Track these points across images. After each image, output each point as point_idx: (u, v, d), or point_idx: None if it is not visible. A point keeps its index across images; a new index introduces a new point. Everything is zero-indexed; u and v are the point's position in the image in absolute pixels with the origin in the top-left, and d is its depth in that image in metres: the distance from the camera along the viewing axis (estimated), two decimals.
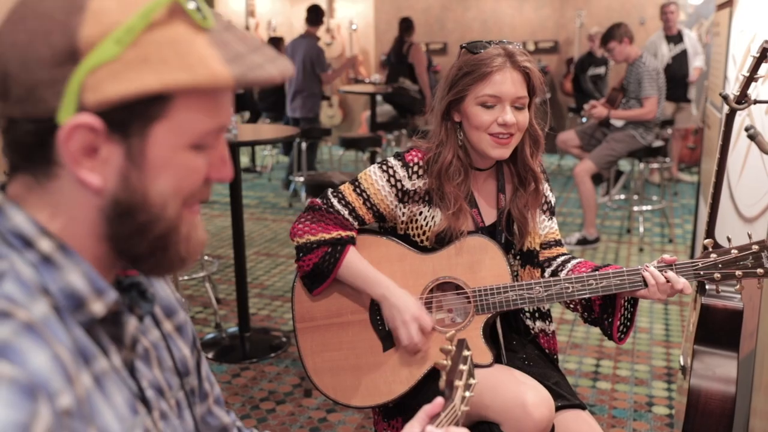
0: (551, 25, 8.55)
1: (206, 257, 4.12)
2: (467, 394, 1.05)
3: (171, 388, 0.80)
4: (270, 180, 7.19)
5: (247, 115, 7.72)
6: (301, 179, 5.86)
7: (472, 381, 1.08)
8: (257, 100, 7.71)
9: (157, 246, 0.70)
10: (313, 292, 1.63)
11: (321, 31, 9.27)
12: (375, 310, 1.63)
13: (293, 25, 9.48)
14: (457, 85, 1.58)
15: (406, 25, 6.83)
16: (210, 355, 3.18)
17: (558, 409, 1.55)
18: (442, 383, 1.01)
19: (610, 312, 1.60)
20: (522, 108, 1.56)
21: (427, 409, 0.97)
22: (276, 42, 7.72)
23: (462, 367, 1.05)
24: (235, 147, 3.25)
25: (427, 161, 1.62)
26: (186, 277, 3.96)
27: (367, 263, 1.60)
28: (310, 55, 6.18)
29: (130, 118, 0.64)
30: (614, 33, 4.67)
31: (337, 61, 9.34)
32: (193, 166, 0.69)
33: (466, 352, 1.08)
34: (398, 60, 6.85)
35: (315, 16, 6.23)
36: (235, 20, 9.53)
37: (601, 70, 7.21)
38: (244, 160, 7.85)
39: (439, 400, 0.98)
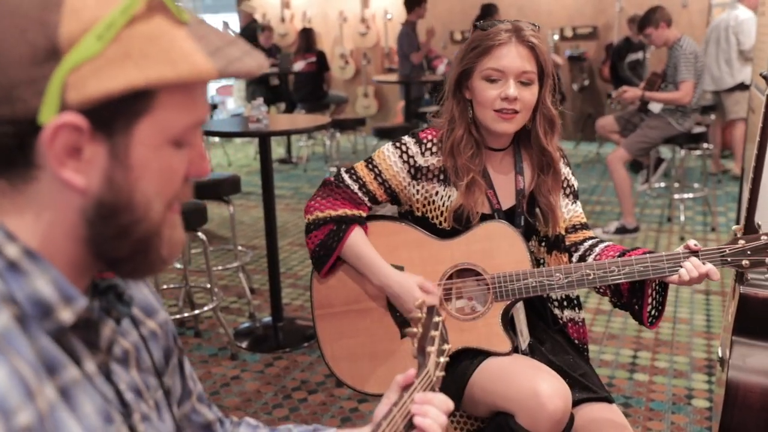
0: (590, 10, 8.37)
1: (240, 248, 4.15)
2: (441, 359, 1.06)
3: (149, 388, 0.78)
4: (305, 171, 7.22)
5: (282, 106, 7.75)
6: (334, 169, 5.87)
7: (445, 347, 1.09)
8: (293, 91, 7.75)
9: (139, 249, 0.68)
10: (320, 272, 1.62)
11: (356, 21, 9.27)
12: None
13: (328, 16, 9.48)
14: (464, 60, 1.58)
15: (485, 11, 6.43)
16: (244, 345, 3.21)
17: (583, 401, 1.51)
18: (413, 351, 1.02)
19: (639, 296, 1.56)
20: (528, 84, 1.54)
21: (398, 380, 0.98)
22: (308, 33, 7.73)
23: (433, 332, 1.06)
24: (266, 137, 3.26)
25: (440, 138, 1.62)
26: (220, 268, 4.00)
27: (369, 246, 1.59)
28: (401, 41, 6.72)
29: (114, 115, 0.62)
30: (650, 18, 4.54)
31: (371, 51, 9.33)
32: (175, 165, 0.68)
33: (436, 318, 1.09)
34: None
35: (408, 3, 6.67)
36: (270, 12, 9.57)
37: (639, 55, 7.02)
38: (280, 150, 7.89)
39: (411, 372, 0.99)
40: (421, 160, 1.61)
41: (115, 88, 0.60)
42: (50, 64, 0.59)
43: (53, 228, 0.65)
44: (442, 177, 1.61)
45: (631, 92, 4.72)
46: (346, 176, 1.64)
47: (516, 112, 1.54)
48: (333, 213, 1.60)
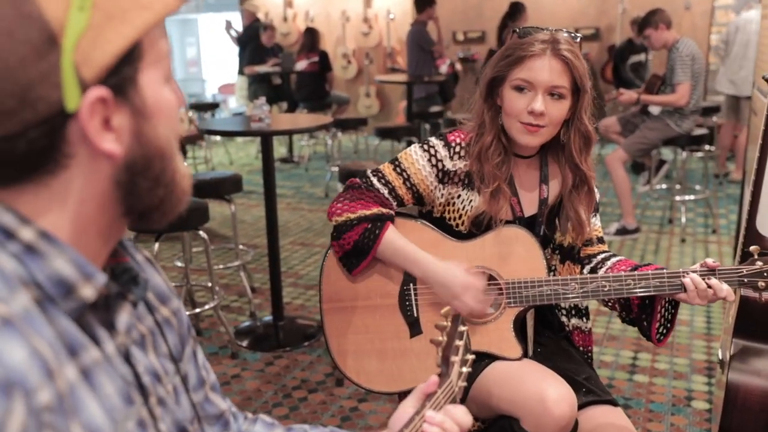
0: (593, 11, 8.37)
1: (241, 246, 4.15)
2: (464, 369, 1.05)
3: (167, 373, 0.79)
4: (307, 170, 7.22)
5: (284, 105, 7.76)
6: (336, 169, 5.87)
7: (468, 356, 1.07)
8: (295, 91, 7.75)
9: (169, 189, 0.71)
10: (352, 271, 1.61)
11: (358, 21, 9.28)
12: (404, 295, 1.61)
13: (330, 15, 9.48)
14: (497, 67, 1.55)
15: (513, 9, 6.34)
16: (244, 344, 3.21)
17: (588, 404, 1.51)
18: (437, 359, 1.01)
19: (648, 312, 1.55)
20: (559, 98, 1.51)
21: (422, 388, 0.97)
22: (312, 33, 7.73)
23: (458, 342, 1.05)
24: (268, 136, 3.26)
25: (469, 142, 1.60)
26: (222, 266, 4.01)
27: (406, 241, 1.58)
28: (416, 39, 6.73)
29: (122, 75, 0.64)
30: (650, 20, 4.55)
31: (373, 51, 9.33)
32: (173, 99, 0.71)
33: (461, 328, 1.07)
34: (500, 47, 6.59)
35: (418, 4, 6.72)
36: (273, 11, 9.57)
37: (641, 57, 7.02)
38: (282, 150, 7.90)
39: (434, 379, 0.97)
40: (449, 164, 1.59)
41: (119, 49, 0.62)
42: (53, 52, 0.60)
43: (85, 206, 0.66)
44: (466, 181, 1.59)
45: (627, 95, 4.73)
46: (374, 179, 1.62)
47: (541, 126, 1.51)
48: (366, 212, 1.58)
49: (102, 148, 0.64)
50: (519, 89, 1.51)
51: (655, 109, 4.70)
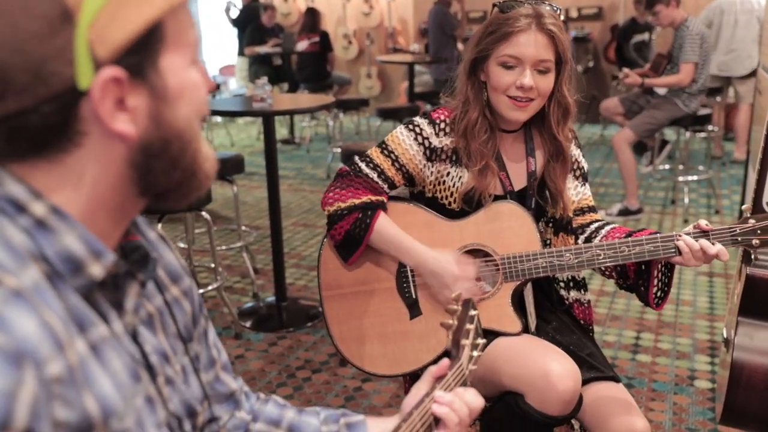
0: None
1: (244, 228, 4.15)
2: (475, 353, 1.05)
3: (176, 353, 0.79)
4: (308, 151, 7.20)
5: (285, 86, 7.72)
6: (337, 150, 5.86)
7: (479, 340, 1.08)
8: (295, 72, 7.71)
9: (189, 171, 0.70)
10: (348, 261, 1.61)
11: (359, 1, 9.20)
12: (401, 277, 1.61)
13: None
14: (481, 44, 1.55)
15: None
16: (248, 324, 3.22)
17: (590, 380, 1.51)
18: (448, 343, 1.01)
19: (645, 278, 1.56)
20: (545, 72, 1.51)
21: (432, 371, 0.97)
22: (313, 13, 7.67)
23: (468, 326, 1.04)
24: (270, 116, 3.24)
25: (453, 119, 1.60)
26: (224, 247, 4.01)
27: (398, 229, 1.58)
28: (438, 21, 6.72)
29: (141, 56, 0.63)
30: None
31: (374, 31, 9.26)
32: (198, 82, 0.70)
33: (472, 312, 1.07)
34: None
35: None
36: None
37: (644, 36, 6.96)
38: (283, 131, 7.87)
39: (444, 362, 0.97)
40: (435, 141, 1.59)
41: (137, 29, 0.61)
42: (68, 28, 0.59)
43: (99, 185, 0.66)
44: (454, 158, 1.60)
45: (632, 78, 4.69)
46: (362, 164, 1.62)
47: (531, 99, 1.52)
48: (357, 201, 1.57)
49: (114, 129, 0.63)
50: (506, 66, 1.52)
51: (661, 89, 4.67)
